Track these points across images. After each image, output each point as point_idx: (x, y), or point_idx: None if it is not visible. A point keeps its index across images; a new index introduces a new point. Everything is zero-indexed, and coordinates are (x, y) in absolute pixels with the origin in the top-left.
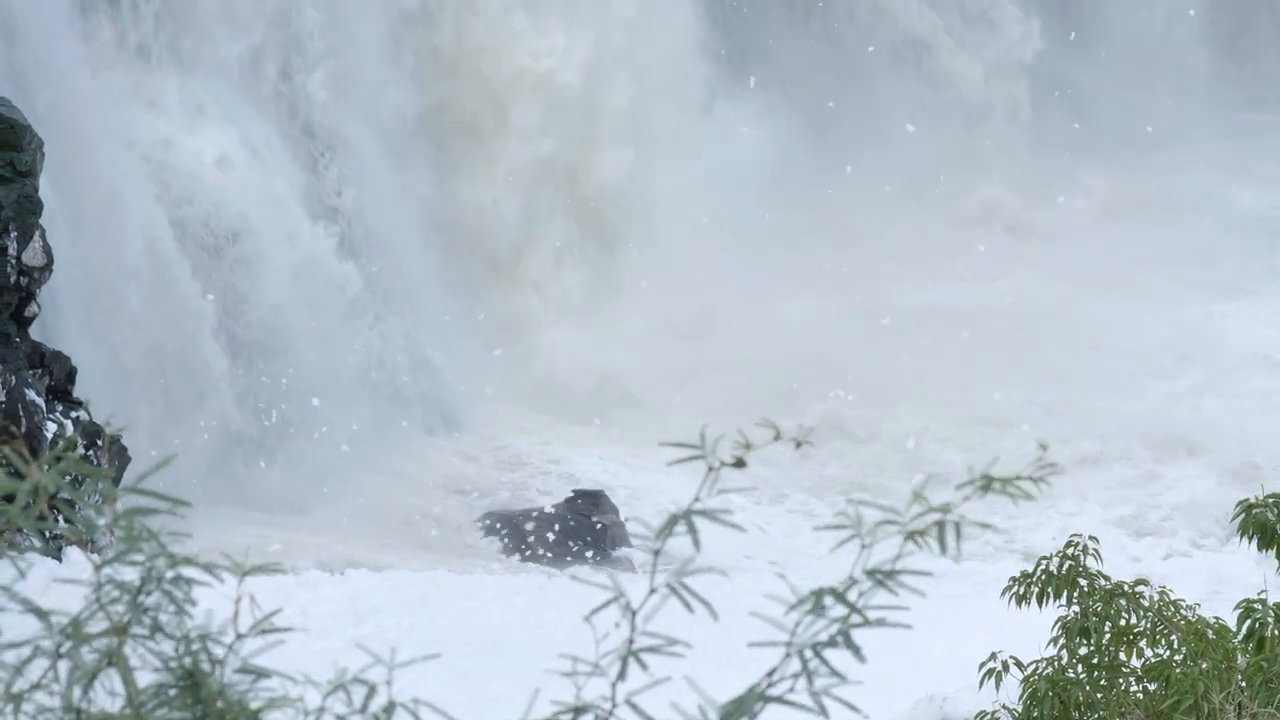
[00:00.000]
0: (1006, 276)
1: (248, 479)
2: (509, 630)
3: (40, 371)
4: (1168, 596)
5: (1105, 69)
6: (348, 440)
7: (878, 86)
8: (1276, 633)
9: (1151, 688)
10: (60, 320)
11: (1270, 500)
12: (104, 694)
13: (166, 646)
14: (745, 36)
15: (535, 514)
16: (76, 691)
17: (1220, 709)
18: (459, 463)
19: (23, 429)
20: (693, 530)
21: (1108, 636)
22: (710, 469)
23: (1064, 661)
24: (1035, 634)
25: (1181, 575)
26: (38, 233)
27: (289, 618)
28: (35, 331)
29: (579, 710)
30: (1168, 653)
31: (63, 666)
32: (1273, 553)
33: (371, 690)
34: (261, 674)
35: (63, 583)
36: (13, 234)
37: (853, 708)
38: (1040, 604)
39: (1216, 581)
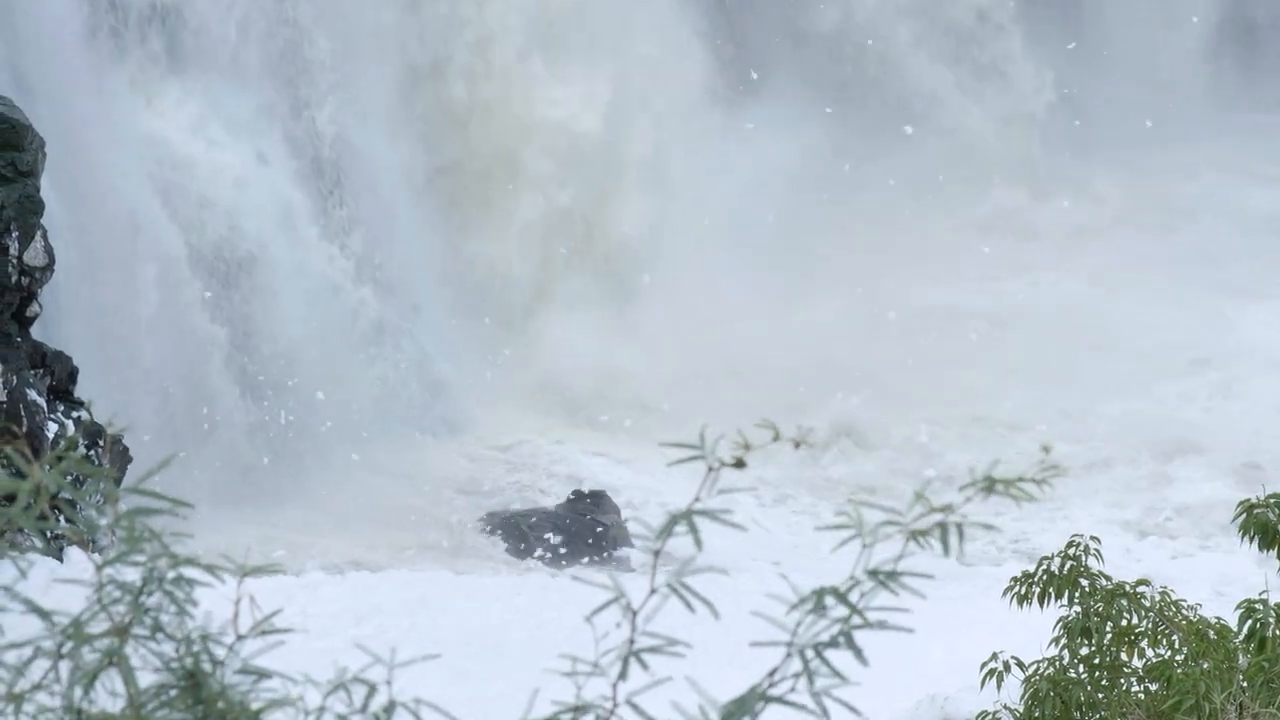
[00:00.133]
0: (1014, 279)
1: (249, 479)
2: (510, 630)
3: (42, 371)
4: (1169, 597)
5: (1107, 70)
6: (350, 440)
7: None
8: (1278, 633)
9: (1153, 688)
10: (62, 320)
11: (1271, 500)
12: (105, 694)
13: (168, 647)
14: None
15: (537, 514)
16: (78, 692)
17: (1221, 709)
18: (460, 463)
19: (24, 429)
20: (694, 530)
21: (1109, 637)
22: (710, 469)
23: (1065, 662)
24: (1036, 634)
25: (1189, 576)
26: (39, 233)
27: (290, 618)
28: (37, 331)
29: (580, 710)
30: (1169, 653)
31: (64, 667)
32: (1274, 553)
33: (372, 690)
34: (262, 675)
35: (64, 583)
36: (14, 234)
37: (853, 709)
38: (1041, 604)
39: (1223, 582)
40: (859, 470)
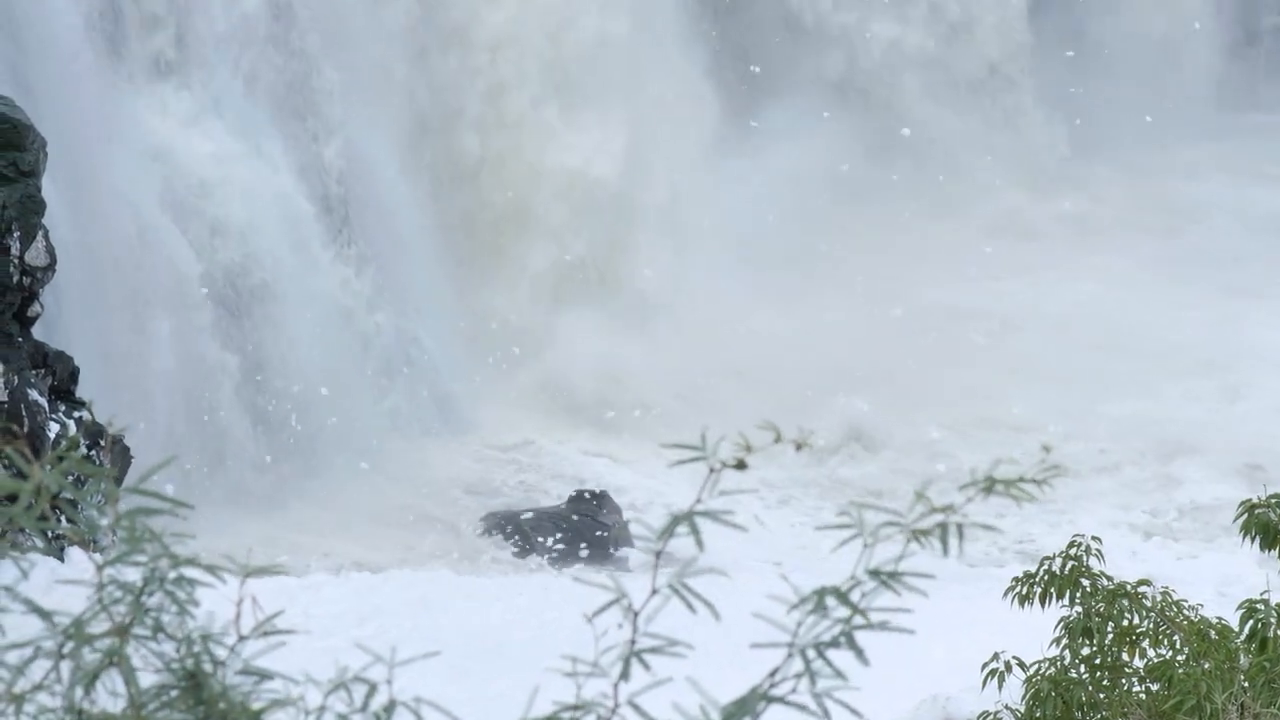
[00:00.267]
0: (1019, 281)
1: (251, 479)
2: (511, 630)
3: (43, 371)
4: (1170, 597)
5: (1111, 71)
6: (352, 440)
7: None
8: (1279, 633)
9: (1154, 688)
10: (63, 320)
11: (1272, 500)
12: (106, 695)
13: (169, 647)
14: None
15: (538, 514)
16: (78, 692)
17: (1223, 709)
18: (463, 463)
19: (25, 429)
20: (695, 531)
21: (1110, 637)
22: (711, 470)
23: (1066, 662)
24: (1038, 634)
25: (1194, 577)
26: (41, 233)
27: (291, 619)
28: (38, 331)
29: (580, 709)
30: (1170, 653)
31: (65, 667)
32: (1275, 553)
33: (372, 689)
34: (264, 675)
35: (65, 583)
36: (16, 234)
37: (854, 710)
38: (1043, 604)
39: (1228, 583)
40: (865, 472)
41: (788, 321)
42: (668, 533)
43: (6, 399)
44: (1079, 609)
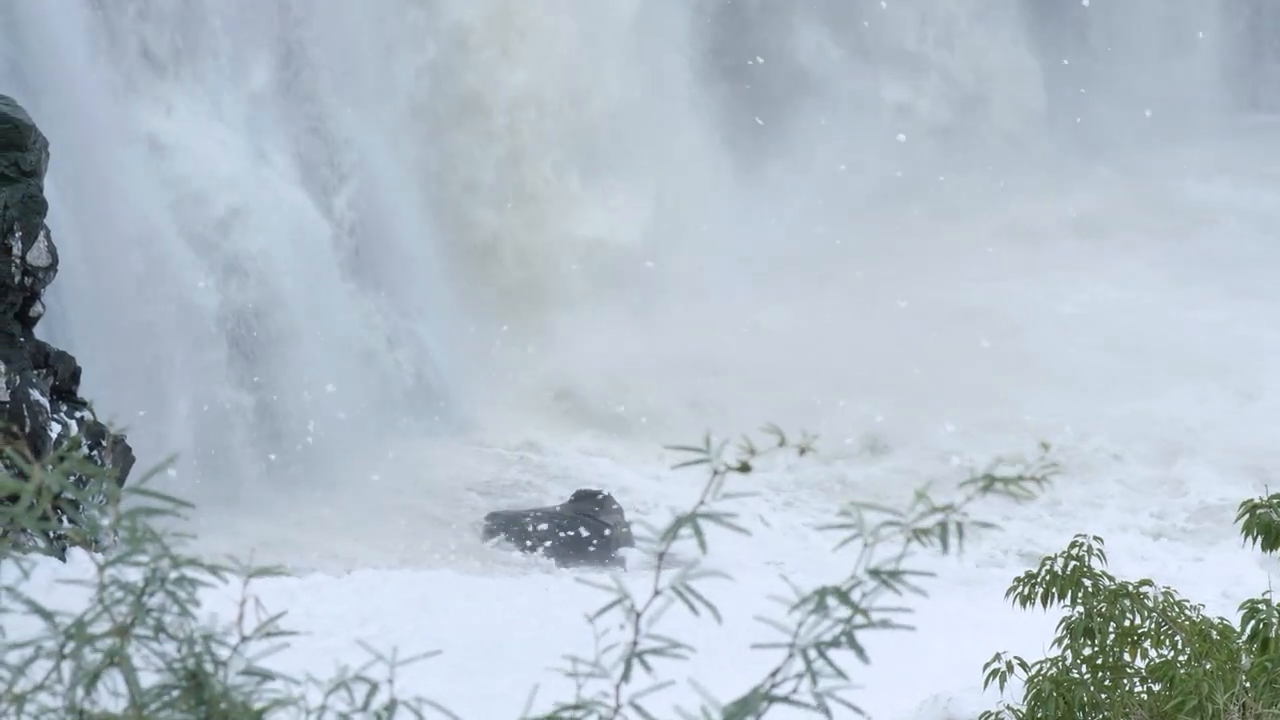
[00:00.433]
0: (1026, 282)
1: (252, 479)
2: (512, 630)
3: (45, 371)
4: (1172, 597)
5: (1116, 72)
6: (355, 441)
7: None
8: None
9: (1156, 688)
10: (65, 320)
11: (1274, 501)
12: (107, 695)
13: (170, 647)
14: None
15: (540, 514)
16: (80, 692)
17: (1224, 710)
18: (465, 463)
19: (27, 429)
20: (699, 533)
21: (1112, 637)
22: (715, 473)
23: (1068, 662)
24: (1039, 634)
25: (1200, 578)
26: (42, 233)
27: (293, 619)
28: (40, 331)
29: (581, 708)
30: (1172, 653)
31: (66, 667)
32: (1277, 554)
33: (373, 688)
34: (265, 675)
35: (66, 583)
36: (17, 234)
37: (855, 709)
38: (1045, 604)
39: (1234, 584)
40: (872, 475)
41: (793, 323)
42: (670, 534)
43: (8, 399)
44: (1081, 609)
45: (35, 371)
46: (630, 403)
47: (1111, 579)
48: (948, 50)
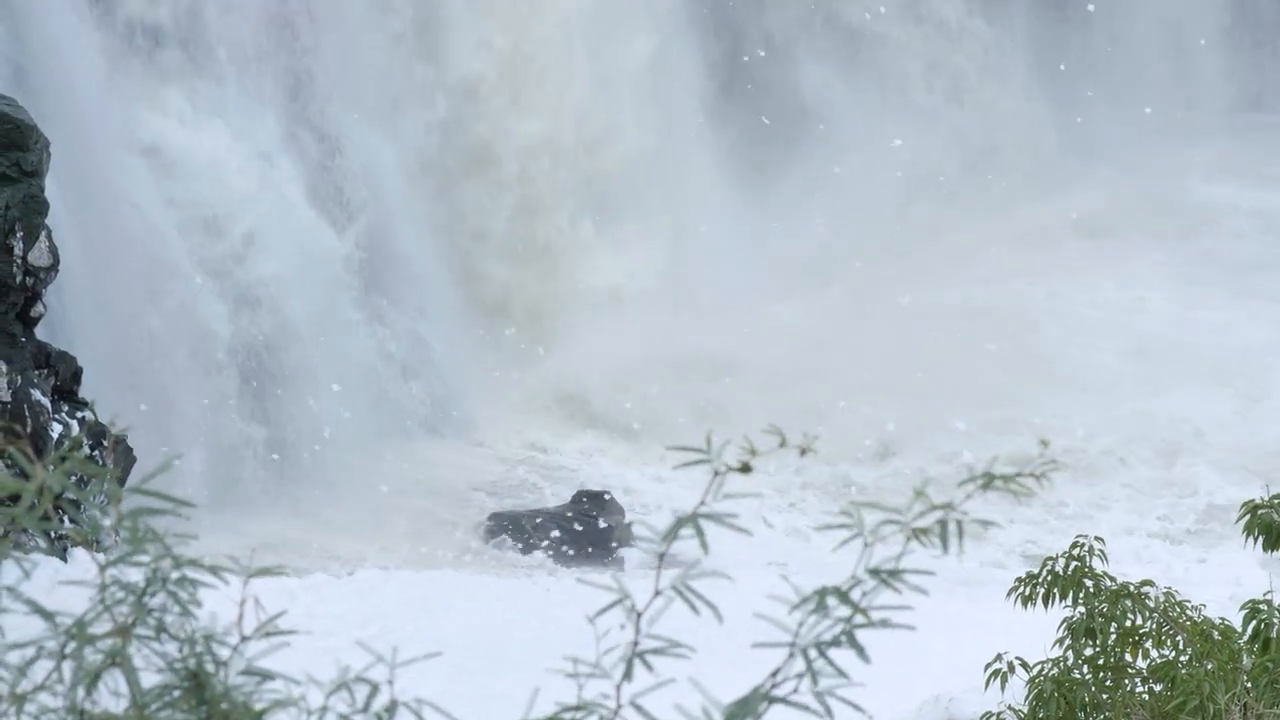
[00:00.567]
0: (1032, 284)
1: (253, 480)
2: (513, 630)
3: (46, 371)
4: (1173, 597)
5: (1121, 73)
6: (356, 441)
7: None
8: None
9: (1157, 689)
10: (66, 320)
11: (1276, 501)
12: (108, 695)
13: (171, 648)
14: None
15: (541, 515)
16: (80, 692)
17: (1226, 710)
18: (466, 463)
19: (28, 429)
20: (699, 533)
21: (1113, 637)
22: (716, 473)
23: (1069, 662)
24: (1041, 635)
25: (1205, 579)
26: (44, 233)
27: (294, 619)
28: (41, 332)
29: (582, 709)
30: (1173, 654)
31: (67, 667)
32: (1278, 554)
33: (374, 689)
34: (266, 675)
35: (67, 583)
36: (19, 234)
37: (857, 708)
38: (1046, 605)
39: (1239, 585)
40: (877, 476)
41: (798, 324)
42: (671, 534)
43: (10, 399)
44: (1082, 609)
45: (37, 372)
46: (634, 405)
47: (1113, 579)
48: (957, 105)
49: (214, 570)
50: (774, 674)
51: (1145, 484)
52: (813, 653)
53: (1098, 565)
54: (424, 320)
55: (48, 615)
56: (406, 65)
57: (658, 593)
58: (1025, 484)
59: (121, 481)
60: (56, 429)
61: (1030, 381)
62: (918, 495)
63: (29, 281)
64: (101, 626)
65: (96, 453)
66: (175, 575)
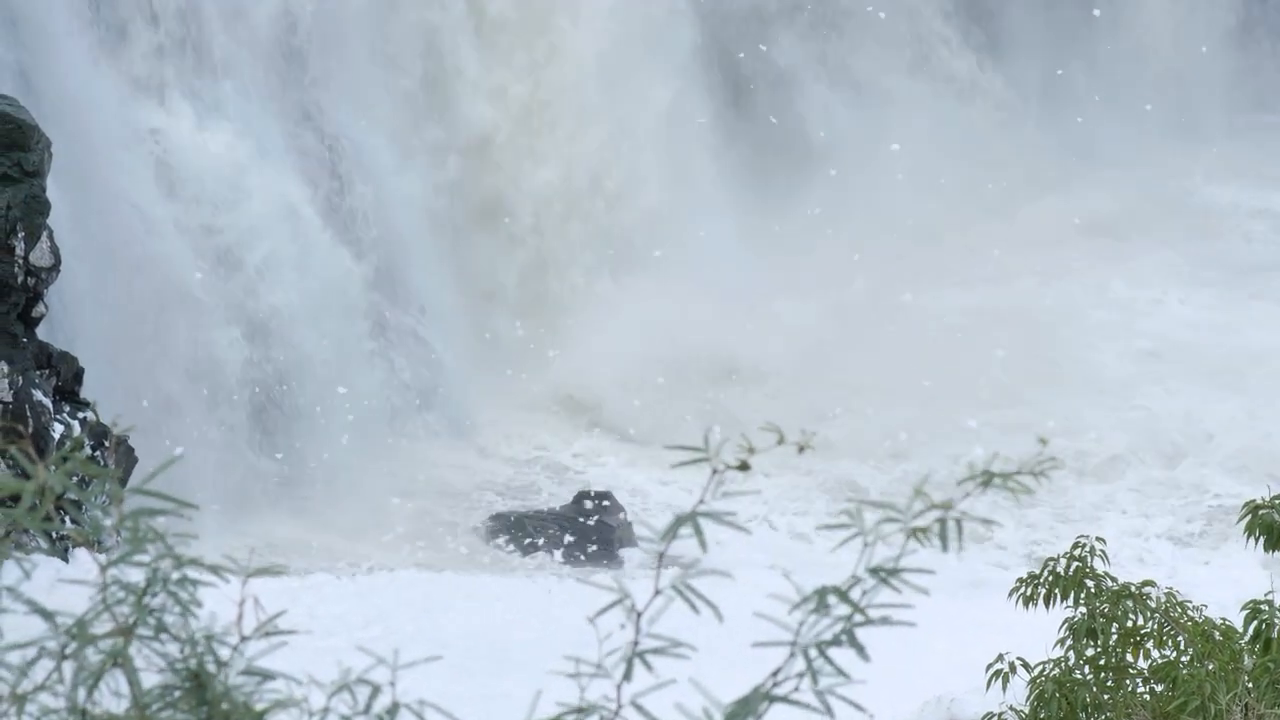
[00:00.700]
0: (1036, 285)
1: (254, 480)
2: (514, 631)
3: (47, 372)
4: (1175, 598)
5: (1124, 73)
6: (357, 441)
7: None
8: None
9: (1158, 689)
10: (68, 321)
11: (1277, 501)
12: (109, 695)
13: (172, 648)
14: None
15: (542, 516)
16: (81, 692)
17: (1227, 710)
18: (467, 464)
19: (30, 429)
20: (699, 532)
21: (1115, 638)
22: (715, 472)
23: (1071, 663)
24: (1042, 635)
25: (1210, 580)
26: (45, 233)
27: (295, 619)
28: (43, 332)
29: (583, 711)
30: (1174, 654)
31: (68, 667)
32: (1279, 554)
33: (375, 691)
34: (267, 676)
35: (68, 583)
36: (20, 234)
37: (858, 707)
38: (1047, 605)
39: (1242, 586)
40: (885, 479)
41: (805, 325)
42: (670, 534)
43: (11, 399)
44: (1083, 610)
45: (38, 372)
46: (640, 408)
47: (1114, 580)
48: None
49: (214, 570)
50: (775, 673)
51: (1153, 486)
52: (813, 652)
53: (1099, 566)
54: (426, 321)
55: (48, 615)
56: (416, 125)
57: (658, 592)
58: (1025, 483)
59: (123, 482)
60: (58, 429)
61: (1040, 384)
62: (917, 494)
63: (30, 282)
64: (102, 626)
65: (98, 453)
66: (176, 575)
